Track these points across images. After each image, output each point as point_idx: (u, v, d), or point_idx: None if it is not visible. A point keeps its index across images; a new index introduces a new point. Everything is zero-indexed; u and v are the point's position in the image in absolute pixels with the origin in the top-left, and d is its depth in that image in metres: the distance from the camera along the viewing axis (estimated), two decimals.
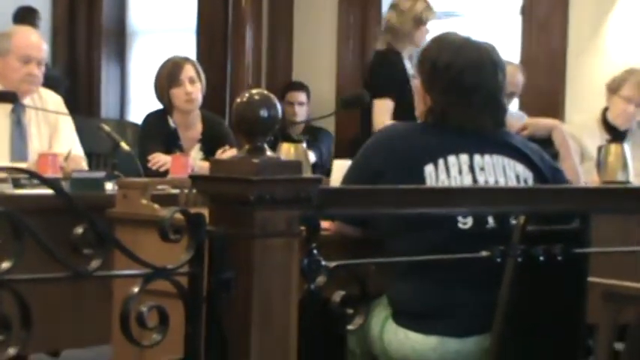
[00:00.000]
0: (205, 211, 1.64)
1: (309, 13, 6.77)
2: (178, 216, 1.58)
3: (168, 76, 4.47)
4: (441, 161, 2.56)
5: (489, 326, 2.40)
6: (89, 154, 4.48)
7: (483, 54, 2.65)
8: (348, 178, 2.65)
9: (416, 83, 2.75)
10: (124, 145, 3.79)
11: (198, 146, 4.51)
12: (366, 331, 2.62)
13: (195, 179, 1.75)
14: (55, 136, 4.19)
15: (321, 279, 1.67)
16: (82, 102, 7.71)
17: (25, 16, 7.19)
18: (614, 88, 4.64)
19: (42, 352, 3.47)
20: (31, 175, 2.18)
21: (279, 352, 1.62)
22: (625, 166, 3.95)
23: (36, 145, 4.11)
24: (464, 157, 2.59)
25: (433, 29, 5.03)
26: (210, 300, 1.59)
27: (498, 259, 1.97)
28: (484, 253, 1.96)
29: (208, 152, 4.41)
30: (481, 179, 2.58)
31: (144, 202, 2.68)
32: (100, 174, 3.49)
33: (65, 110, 4.26)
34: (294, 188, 1.62)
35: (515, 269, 2.31)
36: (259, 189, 1.58)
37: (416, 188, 2.12)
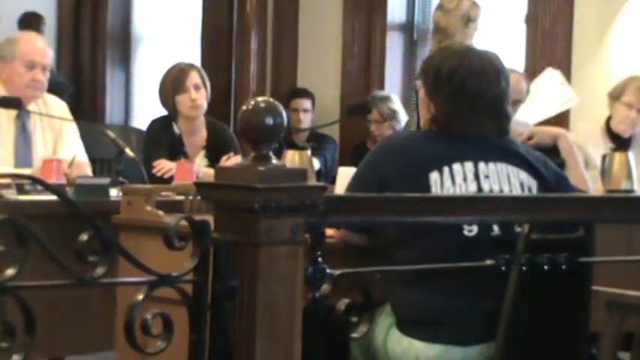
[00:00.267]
0: (210, 218, 1.64)
1: (314, 20, 6.77)
2: (183, 223, 1.58)
3: (173, 83, 4.47)
4: (446, 169, 2.56)
5: (493, 335, 2.40)
6: (93, 160, 4.48)
7: (486, 62, 2.65)
8: (353, 185, 2.65)
9: (420, 92, 2.75)
10: (128, 152, 3.79)
11: (202, 153, 4.51)
12: (370, 339, 2.61)
13: (201, 186, 1.75)
14: (59, 142, 4.19)
15: (325, 287, 1.67)
16: (86, 108, 7.71)
17: (30, 22, 7.20)
18: (615, 95, 4.65)
19: (44, 359, 3.46)
20: (35, 181, 2.19)
21: None
22: (629, 174, 3.94)
23: (40, 151, 4.11)
24: (469, 165, 2.59)
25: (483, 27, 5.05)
26: (215, 307, 1.59)
27: (503, 268, 1.97)
28: (489, 262, 1.96)
29: (213, 159, 4.41)
30: (486, 187, 2.58)
31: (148, 208, 2.68)
32: (105, 180, 3.48)
33: (70, 116, 4.26)
34: (299, 196, 1.62)
35: (519, 277, 2.30)
36: (265, 197, 1.58)
37: (421, 196, 2.12)
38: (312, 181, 2.21)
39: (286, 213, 1.61)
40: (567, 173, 3.15)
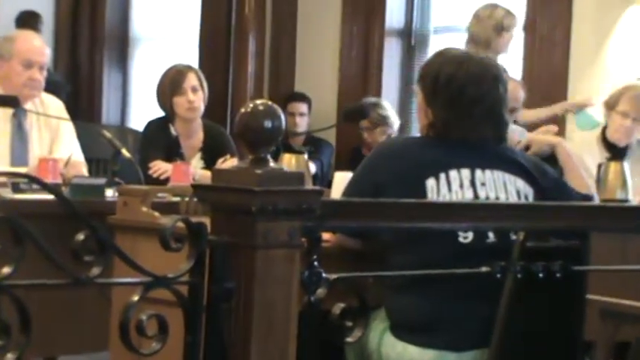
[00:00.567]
0: (206, 220, 1.64)
1: (313, 24, 6.78)
2: (180, 224, 1.57)
3: (170, 84, 4.48)
4: (442, 175, 2.57)
5: (487, 341, 2.40)
6: (89, 160, 4.47)
7: (485, 68, 2.66)
8: (350, 190, 2.65)
9: (418, 98, 2.75)
10: (125, 152, 3.78)
11: (199, 155, 4.52)
12: (364, 343, 2.62)
13: (198, 188, 1.75)
14: (55, 141, 4.19)
15: (321, 291, 1.67)
16: (83, 107, 7.71)
17: (28, 21, 7.19)
18: (611, 104, 4.66)
19: (38, 358, 3.46)
20: (33, 180, 2.18)
21: None
22: (624, 184, 3.95)
23: (37, 150, 4.11)
24: (465, 172, 2.59)
25: (516, 36, 5.06)
26: (211, 310, 1.59)
27: (498, 275, 1.97)
28: (484, 269, 1.96)
29: (209, 161, 4.42)
30: (482, 194, 2.59)
31: (144, 209, 2.68)
32: (101, 180, 3.48)
33: (66, 115, 4.26)
34: (296, 199, 1.62)
35: (514, 285, 2.31)
36: (262, 199, 1.58)
37: (417, 202, 2.12)
38: (309, 185, 2.21)
39: (283, 216, 1.61)
40: (567, 179, 3.15)
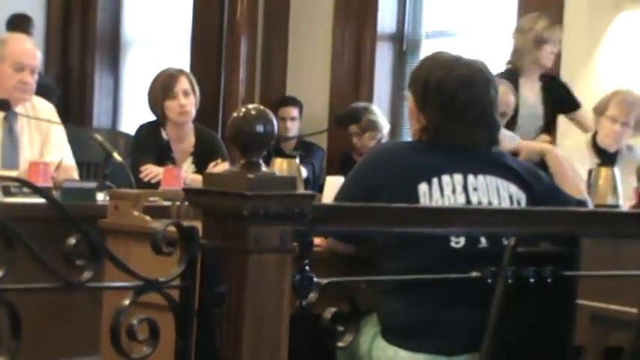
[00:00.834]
0: (198, 224, 1.64)
1: (304, 28, 6.78)
2: (171, 229, 1.57)
3: (162, 88, 4.47)
4: (435, 180, 2.57)
5: (478, 346, 2.40)
6: (80, 164, 4.46)
7: (475, 71, 2.66)
8: (342, 194, 2.65)
9: (409, 102, 2.76)
10: (116, 156, 3.78)
11: (190, 159, 4.51)
12: (355, 348, 2.61)
13: (190, 192, 1.75)
14: (46, 144, 4.18)
15: (312, 295, 1.67)
16: (74, 111, 7.69)
17: (19, 24, 7.17)
18: (600, 109, 4.68)
19: None
20: (24, 183, 2.18)
21: None
22: (615, 189, 3.96)
23: (27, 153, 4.10)
24: (458, 177, 2.59)
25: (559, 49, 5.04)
26: (202, 314, 1.59)
27: (489, 280, 1.97)
28: (475, 274, 1.96)
29: (200, 165, 4.41)
30: (474, 199, 2.59)
31: (135, 213, 2.67)
32: (92, 184, 3.47)
33: (57, 119, 4.25)
34: (288, 204, 1.62)
35: (505, 290, 2.31)
36: (254, 204, 1.58)
37: (409, 207, 2.12)
38: (301, 190, 2.21)
39: (275, 221, 1.61)
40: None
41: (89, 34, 7.86)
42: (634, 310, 2.25)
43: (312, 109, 6.50)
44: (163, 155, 4.42)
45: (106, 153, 3.80)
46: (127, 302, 1.52)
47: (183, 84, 4.48)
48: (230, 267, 1.60)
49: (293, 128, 6.33)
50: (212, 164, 4.32)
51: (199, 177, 4.02)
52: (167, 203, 2.91)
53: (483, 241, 2.53)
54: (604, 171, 4.01)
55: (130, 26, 7.94)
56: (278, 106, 6.34)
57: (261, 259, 1.60)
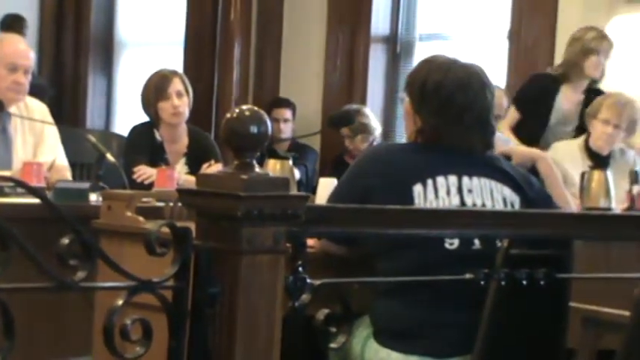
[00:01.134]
0: (191, 225, 1.64)
1: (298, 30, 6.79)
2: (164, 229, 1.57)
3: (155, 89, 4.47)
4: (429, 182, 2.57)
5: (470, 348, 2.40)
6: (73, 165, 4.46)
7: (472, 75, 2.67)
8: (337, 195, 2.65)
9: (405, 104, 2.76)
10: (109, 157, 3.78)
11: (183, 160, 4.52)
12: (347, 349, 2.62)
13: (183, 193, 1.75)
14: (40, 145, 4.17)
15: (305, 296, 1.67)
16: (67, 112, 7.68)
17: (12, 24, 7.17)
18: (593, 113, 4.70)
19: None
20: (17, 183, 2.18)
21: None
22: (607, 192, 3.97)
23: (21, 154, 4.10)
24: (452, 179, 2.60)
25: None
26: (195, 314, 1.59)
27: (482, 282, 1.97)
28: (468, 276, 1.96)
29: (193, 166, 4.41)
30: (469, 201, 2.59)
31: (129, 214, 2.67)
32: (85, 185, 3.47)
33: (51, 119, 4.25)
34: (281, 205, 1.62)
35: (497, 292, 2.31)
36: (247, 205, 1.58)
37: (403, 209, 2.12)
38: (294, 191, 2.21)
39: (268, 222, 1.61)
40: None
41: (83, 35, 7.85)
42: (626, 313, 2.25)
43: (305, 110, 6.50)
44: (157, 156, 4.42)
45: (100, 154, 3.80)
46: (120, 302, 1.52)
47: (176, 85, 4.48)
48: (223, 268, 1.60)
49: (286, 130, 6.33)
50: (205, 165, 4.33)
51: (192, 178, 4.02)
52: (160, 204, 2.90)
53: (477, 243, 2.53)
54: (596, 174, 4.02)
55: (124, 27, 7.93)
56: (271, 108, 6.34)
57: (255, 260, 1.60)
